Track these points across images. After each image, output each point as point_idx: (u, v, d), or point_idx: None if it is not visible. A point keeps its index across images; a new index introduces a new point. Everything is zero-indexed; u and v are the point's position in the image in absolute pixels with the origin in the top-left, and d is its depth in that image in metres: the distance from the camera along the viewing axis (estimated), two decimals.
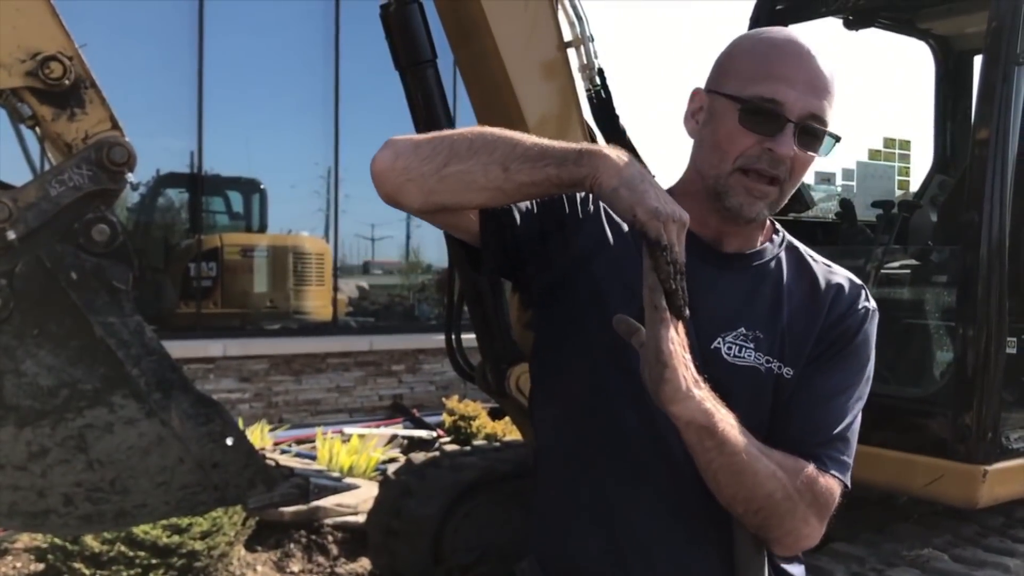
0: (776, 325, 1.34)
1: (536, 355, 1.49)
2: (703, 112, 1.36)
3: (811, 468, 1.28)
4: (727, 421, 1.19)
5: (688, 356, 1.14)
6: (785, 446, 1.30)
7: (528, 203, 1.34)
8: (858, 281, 1.43)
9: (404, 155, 1.24)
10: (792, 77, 1.29)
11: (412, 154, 1.24)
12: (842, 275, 1.43)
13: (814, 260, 1.44)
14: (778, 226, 1.46)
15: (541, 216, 1.35)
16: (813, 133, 1.30)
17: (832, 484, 1.30)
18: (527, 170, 1.19)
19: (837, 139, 1.33)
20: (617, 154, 1.17)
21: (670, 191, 1.34)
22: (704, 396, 1.16)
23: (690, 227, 1.30)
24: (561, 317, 1.39)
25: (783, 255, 1.42)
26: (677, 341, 1.12)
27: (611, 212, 1.28)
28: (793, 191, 1.35)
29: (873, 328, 1.40)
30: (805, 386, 1.34)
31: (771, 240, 1.43)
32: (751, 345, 1.32)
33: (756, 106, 1.28)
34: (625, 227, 1.32)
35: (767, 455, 1.25)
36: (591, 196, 1.37)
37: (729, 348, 1.32)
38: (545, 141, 1.21)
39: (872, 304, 1.41)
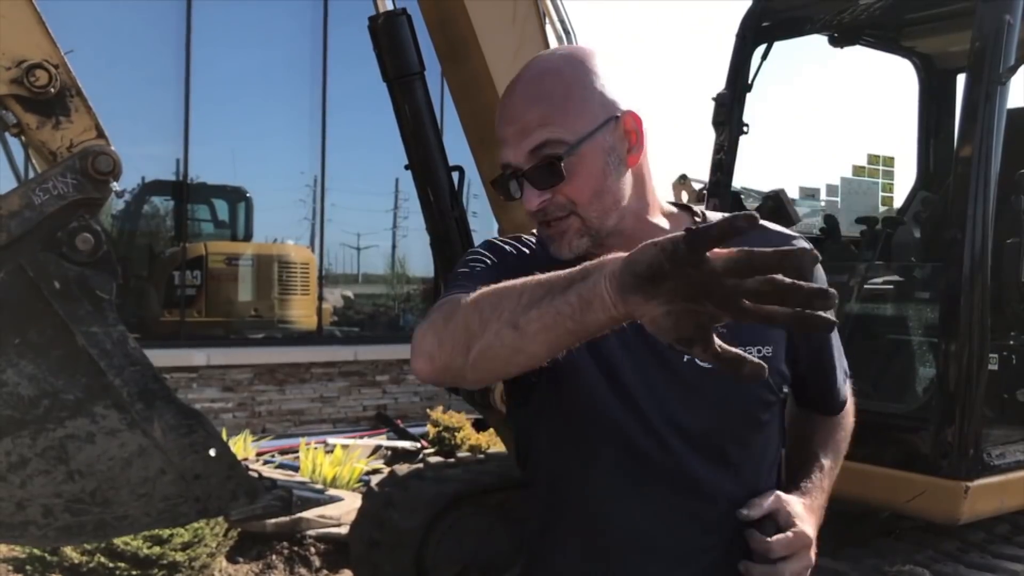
0: None
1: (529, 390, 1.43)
2: None
3: (845, 428, 1.52)
4: (822, 494, 1.38)
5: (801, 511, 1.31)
6: (818, 402, 1.50)
7: None
8: (794, 234, 1.42)
9: (435, 356, 1.17)
10: (505, 133, 1.28)
11: (440, 352, 1.17)
12: (779, 235, 1.39)
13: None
14: (697, 210, 1.42)
15: None
16: (545, 164, 1.25)
17: (850, 408, 1.55)
18: (536, 316, 1.03)
19: (577, 144, 1.24)
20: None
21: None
22: (814, 517, 1.33)
23: None
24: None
25: None
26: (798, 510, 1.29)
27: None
28: (600, 206, 1.27)
29: (822, 274, 1.40)
30: (816, 361, 1.44)
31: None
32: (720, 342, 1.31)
33: (498, 180, 1.31)
34: None
35: (837, 457, 1.48)
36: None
37: None
38: (552, 275, 1.05)
39: (808, 245, 1.40)
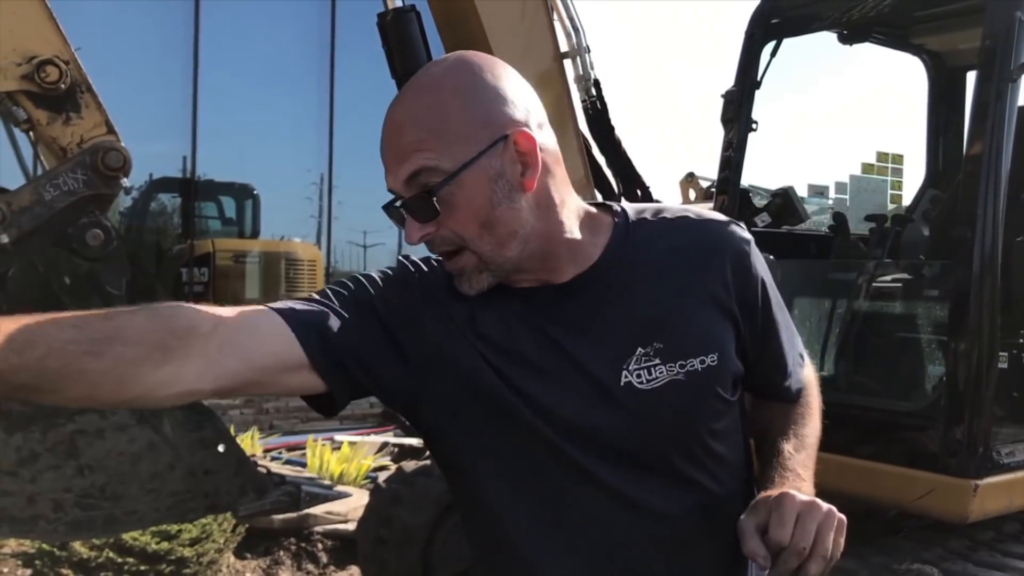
0: (672, 325, 1.22)
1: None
2: None
3: (806, 406, 1.39)
4: (809, 466, 1.27)
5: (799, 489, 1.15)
6: (771, 392, 1.37)
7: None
8: (722, 218, 1.31)
9: None
10: (384, 157, 1.16)
11: None
12: (707, 224, 1.29)
13: (670, 222, 1.28)
14: (616, 207, 1.29)
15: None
16: (419, 197, 1.13)
17: (811, 379, 1.43)
18: None
19: (453, 175, 1.12)
20: None
21: None
22: (806, 485, 1.22)
23: (517, 283, 1.22)
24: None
25: (637, 241, 1.25)
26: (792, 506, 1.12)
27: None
28: (492, 239, 1.16)
29: (759, 254, 1.31)
30: (764, 350, 1.33)
31: (612, 236, 1.25)
32: (657, 360, 1.20)
33: (386, 206, 1.18)
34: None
35: (813, 430, 1.35)
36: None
37: (639, 376, 1.19)
38: None
39: (745, 234, 1.30)
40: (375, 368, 1.21)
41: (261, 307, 1.18)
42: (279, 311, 1.17)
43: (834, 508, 1.12)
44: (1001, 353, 3.10)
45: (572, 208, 1.23)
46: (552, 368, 1.20)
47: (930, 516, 3.20)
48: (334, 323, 1.19)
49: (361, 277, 1.27)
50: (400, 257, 1.32)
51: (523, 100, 1.18)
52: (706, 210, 1.33)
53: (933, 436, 3.08)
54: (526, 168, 1.15)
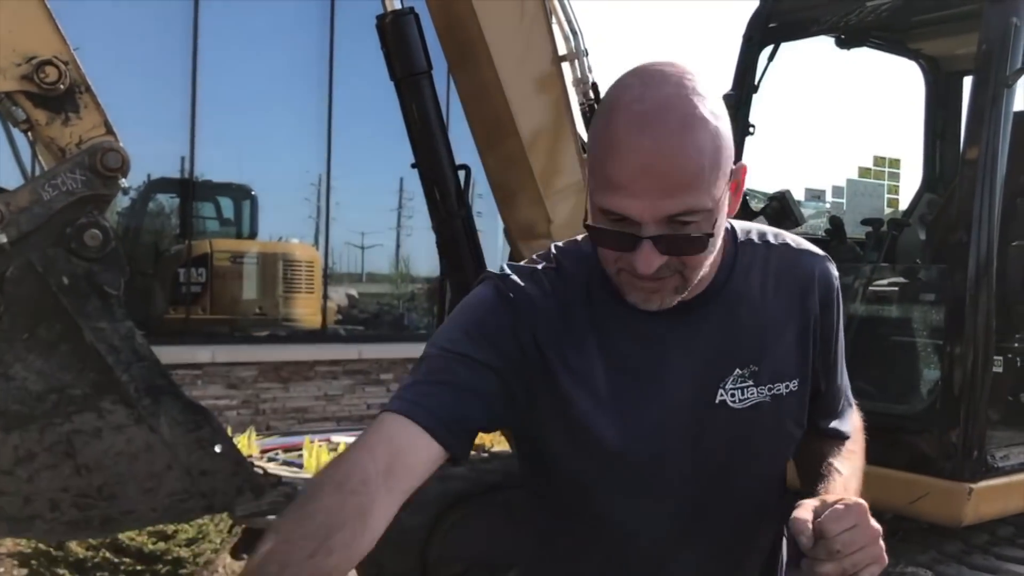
0: (767, 349, 1.27)
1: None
2: None
3: (855, 438, 1.41)
4: (855, 481, 1.30)
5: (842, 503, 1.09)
6: (821, 428, 1.38)
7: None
8: (820, 252, 1.34)
9: None
10: (633, 184, 1.05)
11: None
12: (805, 256, 1.32)
13: (772, 248, 1.30)
14: (732, 225, 1.29)
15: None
16: (690, 237, 1.09)
17: (858, 424, 1.45)
18: None
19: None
20: None
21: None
22: (849, 491, 1.22)
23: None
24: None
25: (745, 263, 1.28)
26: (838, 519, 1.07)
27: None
28: (701, 269, 1.15)
29: (840, 292, 1.36)
30: (826, 372, 1.36)
31: (724, 258, 1.25)
32: (751, 382, 1.25)
33: (604, 220, 1.10)
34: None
35: (860, 460, 1.38)
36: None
37: (732, 396, 1.24)
38: None
39: (835, 271, 1.35)
40: (501, 416, 1.22)
41: (395, 421, 1.15)
42: (408, 415, 1.15)
43: (885, 554, 1.11)
44: (996, 357, 3.12)
45: None
46: (648, 381, 1.22)
47: (925, 519, 3.21)
48: (457, 400, 1.16)
49: (468, 327, 1.22)
50: (497, 284, 1.24)
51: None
52: (802, 239, 1.35)
53: (928, 440, 3.09)
54: (731, 195, 1.15)
